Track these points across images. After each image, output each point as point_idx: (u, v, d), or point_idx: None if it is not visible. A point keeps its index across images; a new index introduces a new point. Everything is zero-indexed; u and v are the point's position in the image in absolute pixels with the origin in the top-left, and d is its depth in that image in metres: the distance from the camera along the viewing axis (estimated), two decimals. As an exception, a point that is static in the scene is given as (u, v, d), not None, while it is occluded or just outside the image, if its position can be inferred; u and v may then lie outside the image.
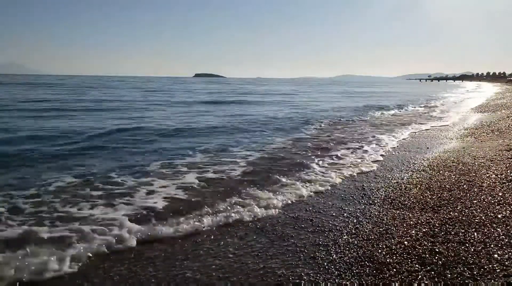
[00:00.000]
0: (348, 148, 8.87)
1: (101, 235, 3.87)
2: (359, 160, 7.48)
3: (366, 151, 8.47)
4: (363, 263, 3.26)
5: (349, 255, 3.43)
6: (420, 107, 22.52)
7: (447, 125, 13.35)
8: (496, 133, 10.20)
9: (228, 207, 4.75)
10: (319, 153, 8.30)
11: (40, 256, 3.37)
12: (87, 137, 10.00)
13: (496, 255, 3.23)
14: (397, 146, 9.16)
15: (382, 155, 7.96)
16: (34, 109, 17.97)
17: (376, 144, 9.44)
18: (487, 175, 5.71)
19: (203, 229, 4.12)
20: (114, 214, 4.51)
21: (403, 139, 10.28)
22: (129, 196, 5.22)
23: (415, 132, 11.61)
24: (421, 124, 13.92)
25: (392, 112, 19.47)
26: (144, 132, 11.19)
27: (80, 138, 9.87)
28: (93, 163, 7.20)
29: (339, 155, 8.05)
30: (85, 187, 5.59)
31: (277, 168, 6.81)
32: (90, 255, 3.48)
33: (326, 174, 6.40)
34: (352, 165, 7.02)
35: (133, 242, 3.76)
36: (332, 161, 7.48)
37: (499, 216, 4.11)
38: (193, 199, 5.11)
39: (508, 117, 13.69)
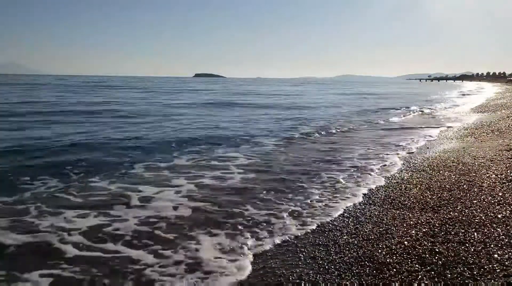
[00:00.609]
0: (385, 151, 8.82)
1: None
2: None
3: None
4: (363, 263, 3.26)
5: (349, 255, 3.43)
6: (429, 108, 21.83)
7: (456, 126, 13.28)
8: (496, 133, 10.20)
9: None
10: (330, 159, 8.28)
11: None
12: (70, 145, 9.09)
13: (496, 255, 3.23)
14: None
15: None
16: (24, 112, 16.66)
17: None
18: (487, 175, 5.71)
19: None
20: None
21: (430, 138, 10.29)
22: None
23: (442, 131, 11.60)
24: (438, 127, 13.21)
25: (411, 115, 18.34)
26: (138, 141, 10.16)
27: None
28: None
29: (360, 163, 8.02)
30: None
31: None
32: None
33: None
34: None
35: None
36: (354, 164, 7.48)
37: (499, 216, 4.10)
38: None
39: (508, 117, 13.68)
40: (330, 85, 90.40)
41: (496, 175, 5.69)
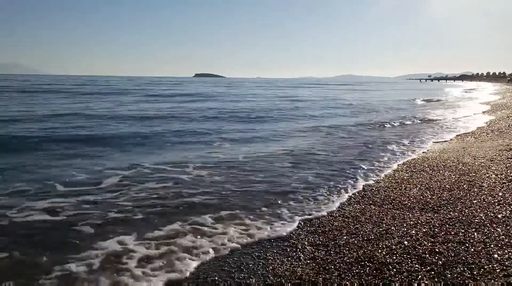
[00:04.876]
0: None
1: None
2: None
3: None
4: (363, 263, 3.26)
5: (349, 255, 3.43)
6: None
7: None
8: (496, 133, 10.21)
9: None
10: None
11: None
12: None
13: (496, 255, 3.23)
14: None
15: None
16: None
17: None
18: (487, 175, 5.71)
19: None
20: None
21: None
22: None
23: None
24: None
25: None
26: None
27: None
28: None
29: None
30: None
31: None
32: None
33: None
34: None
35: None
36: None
37: (499, 216, 4.10)
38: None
39: (508, 117, 13.70)
40: (347, 86, 77.49)
41: (496, 175, 5.69)
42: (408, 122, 13.96)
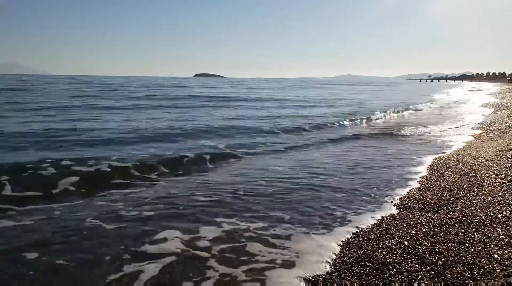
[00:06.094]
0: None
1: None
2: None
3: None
4: (363, 263, 3.26)
5: (349, 255, 3.43)
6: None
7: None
8: (496, 133, 10.21)
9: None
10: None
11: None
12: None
13: (496, 255, 3.23)
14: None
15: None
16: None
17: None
18: (487, 175, 5.71)
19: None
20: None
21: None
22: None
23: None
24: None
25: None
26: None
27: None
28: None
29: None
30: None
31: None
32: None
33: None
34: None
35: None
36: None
37: (499, 216, 4.10)
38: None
39: (508, 117, 13.70)
40: (355, 86, 72.12)
41: (496, 175, 5.69)
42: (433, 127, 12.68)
